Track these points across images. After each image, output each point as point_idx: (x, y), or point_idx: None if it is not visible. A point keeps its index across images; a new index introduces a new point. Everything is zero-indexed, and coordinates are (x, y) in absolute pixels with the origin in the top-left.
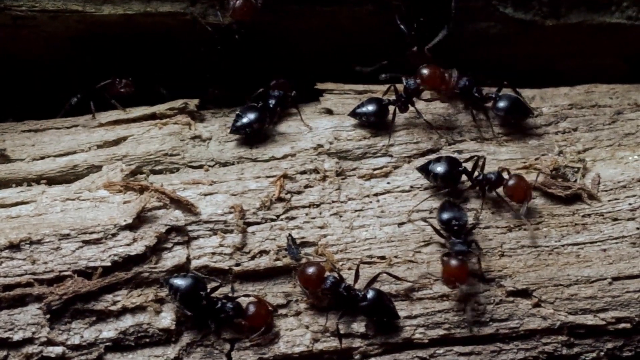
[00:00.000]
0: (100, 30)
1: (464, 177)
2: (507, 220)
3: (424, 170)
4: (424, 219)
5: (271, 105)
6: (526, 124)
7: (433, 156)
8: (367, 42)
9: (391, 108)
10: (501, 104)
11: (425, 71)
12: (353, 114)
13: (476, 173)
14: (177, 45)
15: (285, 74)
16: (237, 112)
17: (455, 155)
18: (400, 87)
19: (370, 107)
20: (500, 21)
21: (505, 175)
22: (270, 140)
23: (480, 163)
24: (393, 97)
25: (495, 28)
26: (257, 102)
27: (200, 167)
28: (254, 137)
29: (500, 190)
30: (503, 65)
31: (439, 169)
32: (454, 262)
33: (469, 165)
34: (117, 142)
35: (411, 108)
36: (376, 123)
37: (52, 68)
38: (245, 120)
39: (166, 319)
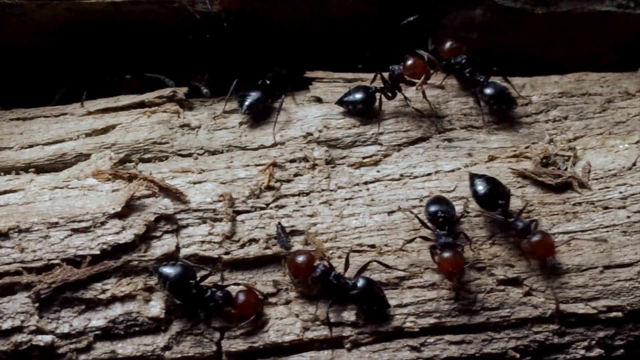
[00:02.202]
0: (88, 19)
1: None
2: None
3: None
4: (411, 211)
5: (268, 82)
6: (516, 112)
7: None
8: (356, 30)
9: (379, 96)
10: (487, 91)
11: (410, 62)
12: (340, 102)
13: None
14: (166, 33)
15: (274, 62)
16: (239, 95)
17: (445, 143)
18: (386, 74)
19: (357, 95)
20: (490, 9)
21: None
22: (260, 129)
23: None
24: (380, 85)
25: (485, 16)
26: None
27: (189, 155)
28: (260, 115)
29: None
30: (493, 53)
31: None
32: (447, 254)
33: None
34: (105, 130)
35: (400, 97)
36: (364, 111)
37: (40, 57)
38: (251, 98)
39: (155, 307)
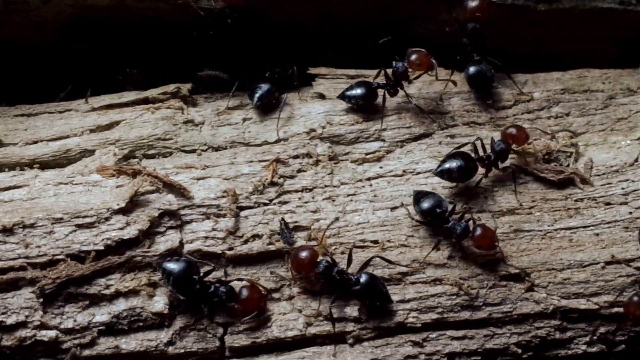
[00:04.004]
0: (93, 15)
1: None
2: (500, 205)
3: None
4: (411, 217)
5: (276, 75)
6: (518, 109)
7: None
8: (359, 27)
9: (380, 92)
10: (470, 69)
11: (413, 56)
12: (342, 96)
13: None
14: (171, 30)
15: (277, 59)
16: (250, 88)
17: (448, 139)
18: (389, 71)
19: (359, 90)
20: (492, 5)
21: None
22: (263, 125)
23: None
24: (383, 81)
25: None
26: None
27: (193, 151)
28: (270, 107)
29: None
30: (496, 49)
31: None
32: (479, 230)
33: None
34: (110, 126)
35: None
36: (365, 106)
37: (45, 53)
38: (262, 90)
39: (159, 303)
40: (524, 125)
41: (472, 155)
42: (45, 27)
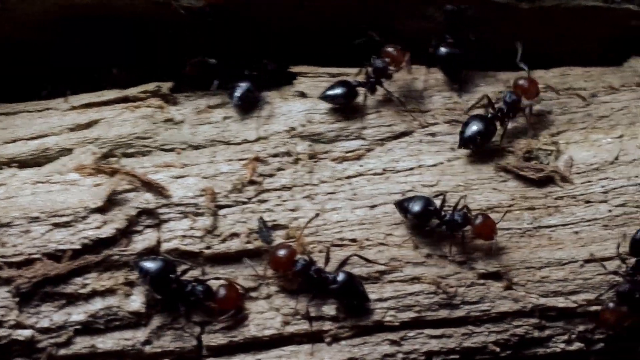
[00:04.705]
0: (75, 13)
1: None
2: (479, 203)
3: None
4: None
5: (255, 74)
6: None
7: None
8: (342, 24)
9: (361, 90)
10: (440, 50)
11: (391, 50)
12: (323, 97)
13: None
14: (151, 28)
15: (259, 57)
16: (230, 87)
17: (429, 138)
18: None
19: (339, 90)
20: (475, 3)
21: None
22: (243, 123)
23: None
24: (362, 79)
25: (470, 10)
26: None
27: (173, 150)
28: (250, 106)
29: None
30: (481, 47)
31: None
32: (480, 219)
33: None
34: (89, 125)
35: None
36: (347, 105)
37: (26, 52)
38: (241, 89)
39: (136, 302)
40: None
41: (486, 114)
42: (26, 25)
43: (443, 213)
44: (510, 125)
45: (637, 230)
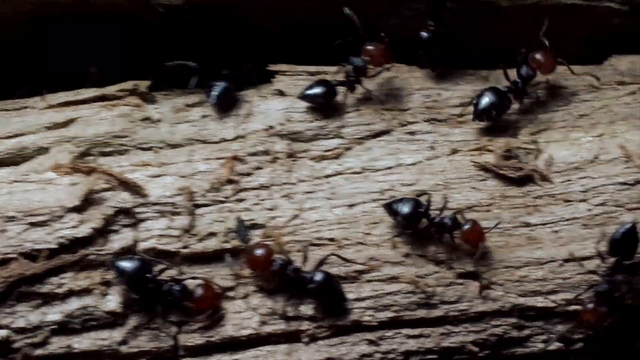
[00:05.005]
0: (52, 12)
1: None
2: (459, 202)
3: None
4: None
5: (233, 73)
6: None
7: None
8: (322, 23)
9: (341, 89)
10: (422, 33)
11: (371, 48)
12: (302, 96)
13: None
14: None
15: (238, 55)
16: (208, 85)
17: (408, 136)
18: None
19: (319, 89)
20: (458, 0)
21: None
22: (222, 122)
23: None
24: (342, 78)
25: (451, 8)
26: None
27: (150, 149)
28: (228, 106)
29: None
30: (464, 45)
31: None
32: (469, 224)
33: None
34: (66, 123)
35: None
36: (326, 105)
37: (3, 51)
38: (219, 89)
39: (112, 301)
40: (485, 122)
41: (502, 87)
42: (3, 24)
43: (432, 215)
44: (489, 124)
45: (616, 230)
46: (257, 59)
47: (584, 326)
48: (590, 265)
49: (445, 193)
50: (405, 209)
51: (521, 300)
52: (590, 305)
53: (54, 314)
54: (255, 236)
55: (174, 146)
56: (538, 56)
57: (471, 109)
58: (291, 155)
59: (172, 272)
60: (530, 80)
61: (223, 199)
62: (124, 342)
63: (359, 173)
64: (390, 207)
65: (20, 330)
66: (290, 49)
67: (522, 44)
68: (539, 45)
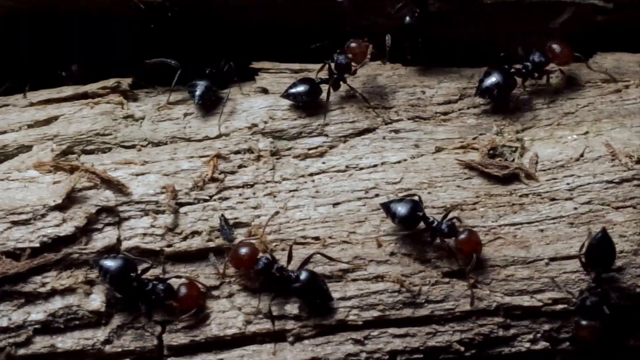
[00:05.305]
0: (31, 8)
1: None
2: (444, 201)
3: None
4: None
5: (215, 71)
6: (464, 103)
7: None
8: (304, 20)
9: (324, 87)
10: (406, 19)
11: (354, 45)
12: (286, 95)
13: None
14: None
15: (220, 52)
16: (190, 84)
17: (392, 134)
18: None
19: (302, 88)
20: None
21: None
22: (205, 120)
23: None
24: (325, 76)
25: (434, 5)
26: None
27: (133, 147)
28: (211, 104)
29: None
30: (447, 43)
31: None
32: (465, 234)
33: None
34: (48, 121)
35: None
36: (310, 103)
37: None
38: (202, 88)
39: (96, 300)
40: (470, 119)
41: (509, 68)
42: None
43: (431, 219)
44: (474, 122)
45: (591, 241)
46: (240, 56)
47: (583, 344)
48: (577, 264)
49: (430, 191)
50: (402, 210)
51: (507, 299)
52: (584, 322)
53: (37, 313)
54: (240, 235)
55: (156, 144)
56: (554, 46)
57: (458, 105)
58: (275, 153)
59: (156, 271)
60: (541, 67)
61: (207, 198)
62: (107, 341)
63: (343, 171)
64: (387, 208)
65: (3, 330)
66: (273, 47)
67: (505, 41)
68: (555, 37)
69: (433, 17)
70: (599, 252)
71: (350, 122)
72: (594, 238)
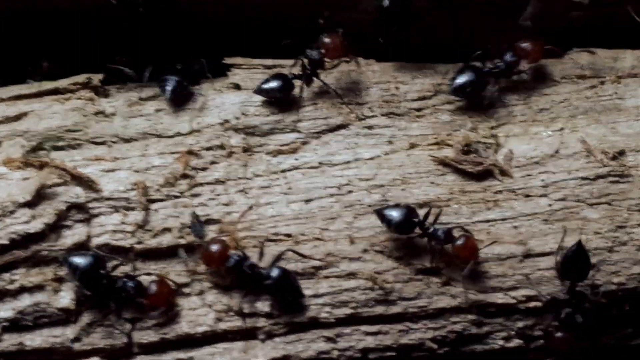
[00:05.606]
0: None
1: None
2: (417, 197)
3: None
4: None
5: (187, 67)
6: (438, 99)
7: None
8: (278, 16)
9: (297, 82)
10: (385, 1)
11: (327, 40)
12: (258, 91)
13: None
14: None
15: (192, 48)
16: (161, 79)
17: (366, 130)
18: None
19: (275, 83)
20: None
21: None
22: (176, 116)
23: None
24: (298, 71)
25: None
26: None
27: (104, 143)
28: (183, 100)
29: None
30: (423, 40)
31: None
32: (461, 240)
33: None
34: (18, 117)
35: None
36: (283, 99)
37: None
38: (173, 83)
39: (65, 298)
40: (444, 116)
41: (481, 66)
42: None
43: (427, 225)
44: (448, 119)
45: (566, 253)
46: (212, 52)
47: (560, 356)
48: (551, 261)
49: (404, 188)
50: (398, 217)
51: (481, 296)
52: (559, 334)
53: (5, 310)
54: (211, 232)
55: (127, 140)
56: (524, 45)
57: (432, 102)
58: (247, 149)
59: (125, 268)
60: (513, 66)
61: (178, 194)
62: (76, 339)
63: (316, 168)
64: (382, 215)
65: None
66: (245, 42)
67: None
68: (527, 35)
69: (411, 3)
70: (574, 264)
71: (324, 119)
72: (569, 250)
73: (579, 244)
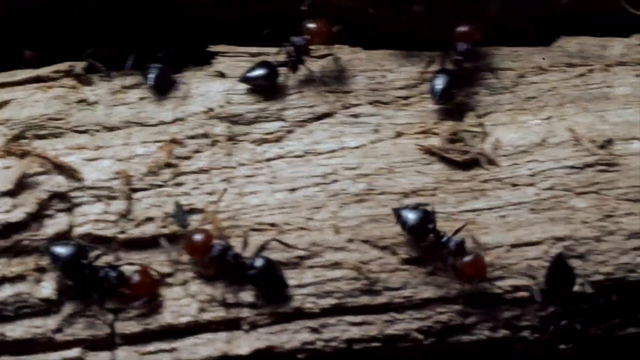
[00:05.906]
0: None
1: None
2: (404, 187)
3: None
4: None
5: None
6: (424, 88)
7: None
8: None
9: (283, 70)
10: None
11: (311, 25)
12: (244, 79)
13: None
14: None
15: (176, 36)
16: (145, 67)
17: (351, 119)
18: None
19: (260, 71)
20: None
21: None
22: (160, 104)
23: None
24: (283, 59)
25: None
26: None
27: (86, 131)
28: (166, 88)
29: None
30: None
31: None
32: (470, 257)
33: None
34: None
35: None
36: (268, 87)
37: None
38: (156, 71)
39: (47, 288)
40: (431, 104)
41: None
42: None
43: (441, 233)
44: (434, 107)
45: (547, 270)
46: (196, 40)
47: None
48: (538, 250)
49: (389, 177)
50: (413, 219)
51: (467, 286)
52: (563, 346)
53: None
54: (194, 221)
55: (110, 129)
56: (462, 28)
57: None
58: (231, 138)
59: (108, 258)
60: (470, 53)
61: (161, 183)
62: (58, 329)
63: (301, 157)
64: (398, 214)
65: None
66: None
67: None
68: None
69: None
70: (558, 280)
71: (309, 107)
72: (550, 264)
73: (560, 255)
